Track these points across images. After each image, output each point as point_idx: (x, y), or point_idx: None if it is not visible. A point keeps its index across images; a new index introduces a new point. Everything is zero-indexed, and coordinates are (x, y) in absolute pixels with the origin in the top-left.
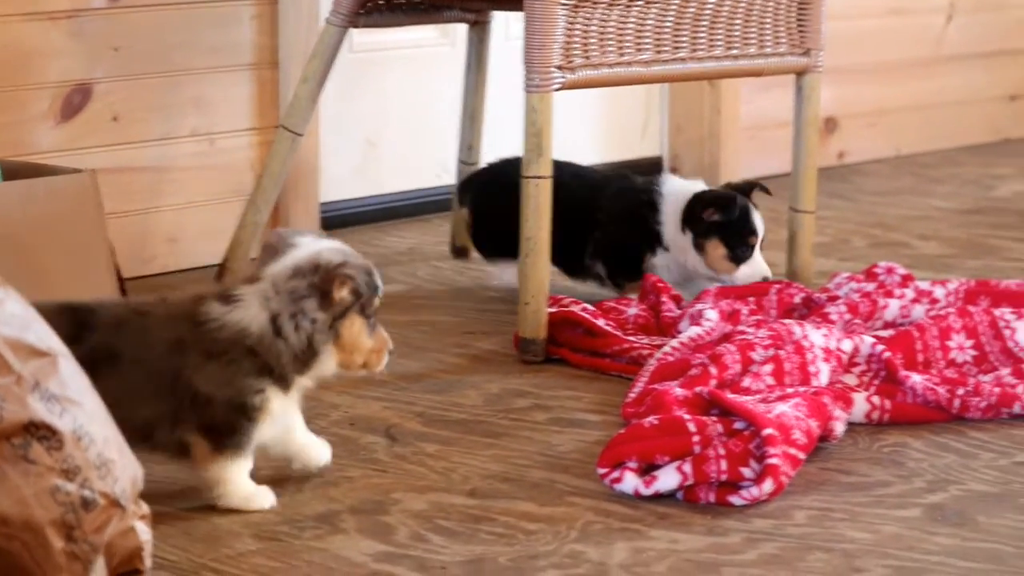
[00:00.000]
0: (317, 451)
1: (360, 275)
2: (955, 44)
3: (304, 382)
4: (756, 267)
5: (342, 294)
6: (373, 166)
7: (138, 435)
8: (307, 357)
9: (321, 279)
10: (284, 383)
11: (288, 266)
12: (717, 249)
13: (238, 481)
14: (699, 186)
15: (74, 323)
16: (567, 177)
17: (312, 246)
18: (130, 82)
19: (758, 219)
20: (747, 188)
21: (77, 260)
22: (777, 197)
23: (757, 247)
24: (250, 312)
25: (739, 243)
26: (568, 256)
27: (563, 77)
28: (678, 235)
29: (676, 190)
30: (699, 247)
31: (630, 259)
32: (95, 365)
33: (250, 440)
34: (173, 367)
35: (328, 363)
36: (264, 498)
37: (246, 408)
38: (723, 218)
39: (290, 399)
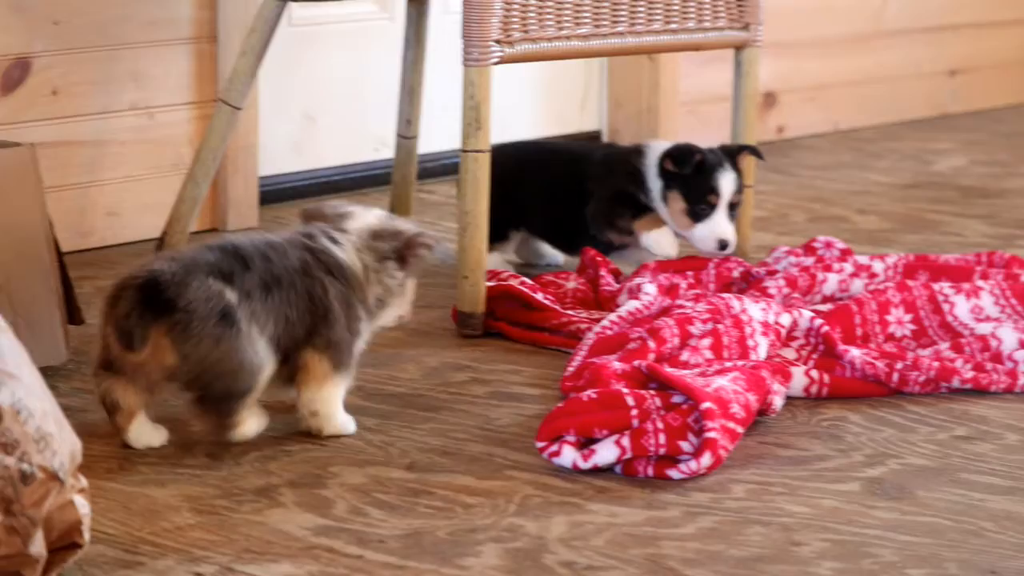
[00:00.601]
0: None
1: (434, 244)
2: (894, 19)
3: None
4: (714, 228)
5: (418, 258)
6: (312, 140)
7: (282, 357)
8: (379, 308)
9: (404, 244)
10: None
11: (367, 228)
12: (677, 202)
13: (340, 404)
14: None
15: (238, 258)
16: (548, 154)
17: (375, 214)
18: (69, 56)
19: (726, 180)
20: (735, 150)
21: (16, 234)
22: None
23: (721, 209)
24: (350, 255)
25: (698, 199)
26: (563, 231)
27: (501, 51)
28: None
29: (660, 150)
30: (664, 199)
31: (625, 223)
32: (266, 290)
33: (354, 363)
34: (308, 288)
35: (390, 315)
36: (352, 424)
37: (358, 330)
38: (678, 170)
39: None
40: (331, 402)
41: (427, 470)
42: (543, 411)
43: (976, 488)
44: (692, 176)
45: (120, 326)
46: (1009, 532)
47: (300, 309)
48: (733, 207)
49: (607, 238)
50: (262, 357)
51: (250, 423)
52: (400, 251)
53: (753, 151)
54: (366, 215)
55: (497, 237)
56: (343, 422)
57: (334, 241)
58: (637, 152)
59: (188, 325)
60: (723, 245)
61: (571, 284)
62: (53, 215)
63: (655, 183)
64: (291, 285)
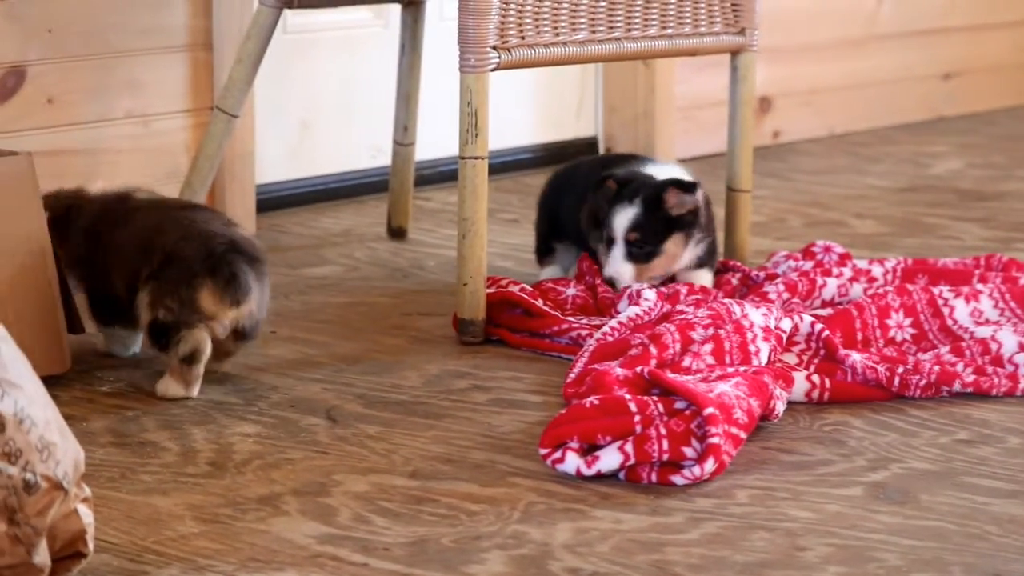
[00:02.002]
0: None
1: None
2: (889, 23)
3: None
4: (609, 262)
5: None
6: (308, 148)
7: None
8: None
9: None
10: None
11: None
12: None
13: None
14: (672, 171)
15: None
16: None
17: None
18: (64, 64)
19: (619, 217)
20: (661, 185)
21: (14, 243)
22: (713, 176)
23: (617, 244)
24: None
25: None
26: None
27: (498, 57)
28: None
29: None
30: None
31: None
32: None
33: None
34: None
35: None
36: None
37: None
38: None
39: None
40: None
41: (430, 477)
42: (546, 418)
43: (979, 492)
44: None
45: (228, 283)
46: (1013, 535)
47: None
48: (633, 245)
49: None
50: None
51: None
52: None
53: (679, 184)
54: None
55: (544, 251)
56: None
57: None
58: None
59: (265, 276)
60: (609, 281)
61: (570, 291)
62: None
63: None
64: None
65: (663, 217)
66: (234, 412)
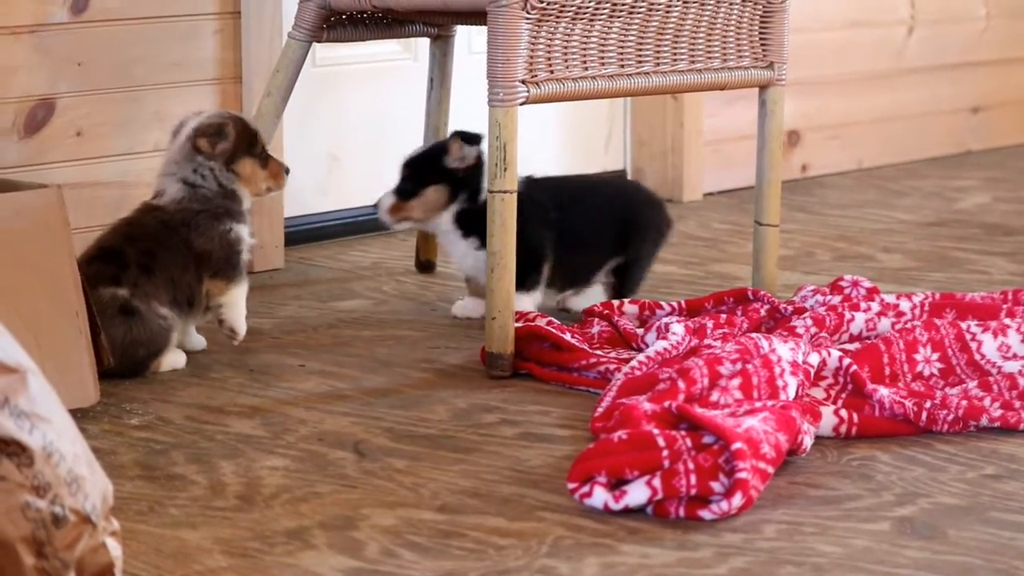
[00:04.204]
0: None
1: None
2: (916, 56)
3: None
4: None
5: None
6: (337, 181)
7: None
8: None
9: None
10: None
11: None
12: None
13: None
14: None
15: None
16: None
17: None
18: (93, 97)
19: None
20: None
21: (43, 276)
22: (741, 211)
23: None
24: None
25: None
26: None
27: (527, 91)
28: None
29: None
30: None
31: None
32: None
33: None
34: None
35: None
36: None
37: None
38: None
39: None
40: None
41: (458, 512)
42: (573, 452)
43: (1007, 527)
44: None
45: None
46: None
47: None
48: (402, 181)
49: None
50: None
51: None
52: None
53: (464, 135)
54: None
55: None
56: None
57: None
58: None
59: None
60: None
61: (595, 329)
62: (79, 256)
63: None
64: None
65: (439, 167)
66: (262, 446)
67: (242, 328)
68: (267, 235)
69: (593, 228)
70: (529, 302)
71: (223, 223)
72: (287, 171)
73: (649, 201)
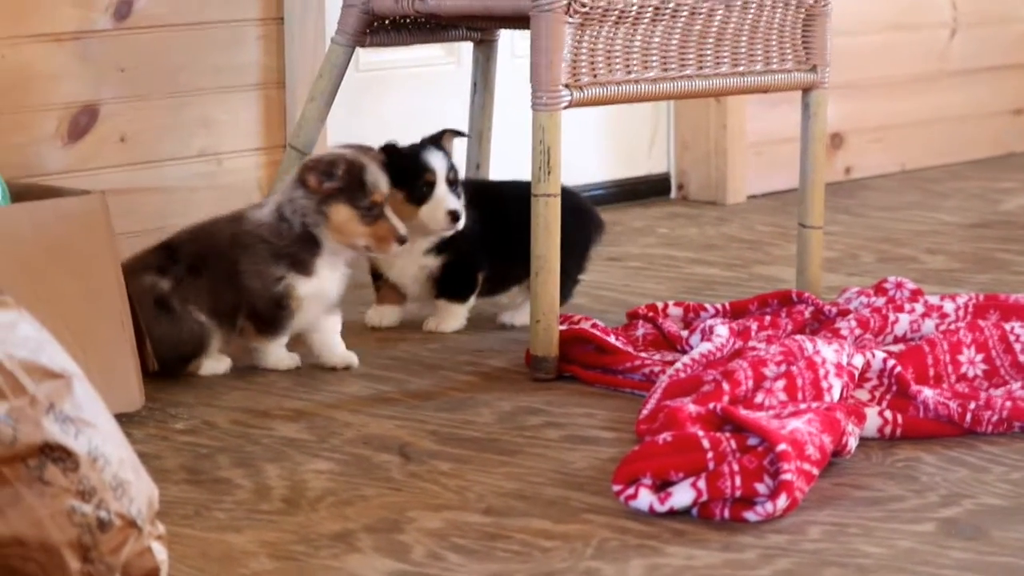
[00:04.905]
0: None
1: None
2: (959, 59)
3: None
4: (439, 203)
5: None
6: None
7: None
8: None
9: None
10: None
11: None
12: (394, 197)
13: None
14: None
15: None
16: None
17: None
18: (137, 103)
19: (436, 158)
20: (436, 136)
21: (87, 282)
22: (785, 213)
23: (440, 184)
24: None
25: (414, 183)
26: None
27: (570, 95)
28: None
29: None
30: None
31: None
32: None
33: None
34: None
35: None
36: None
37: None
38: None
39: None
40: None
41: (504, 514)
42: (618, 454)
43: None
44: (405, 167)
45: None
46: None
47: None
48: (453, 185)
49: None
50: None
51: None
52: (299, 175)
53: (455, 132)
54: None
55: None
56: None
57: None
58: None
59: None
60: (455, 216)
61: (640, 331)
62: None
63: None
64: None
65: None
66: (308, 449)
67: (279, 366)
68: None
69: (518, 236)
70: (464, 314)
71: (277, 269)
72: (401, 240)
73: (575, 209)
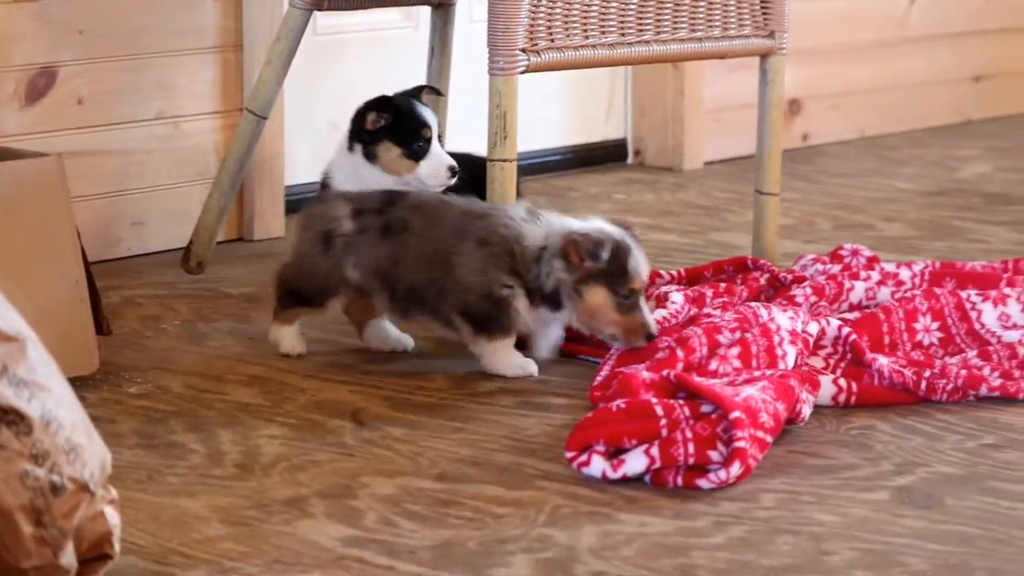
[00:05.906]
0: None
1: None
2: (919, 25)
3: None
4: (436, 159)
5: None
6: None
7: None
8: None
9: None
10: None
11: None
12: (390, 151)
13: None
14: None
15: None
16: None
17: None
18: (95, 65)
19: (429, 114)
20: (414, 91)
21: (43, 244)
22: (742, 179)
23: (434, 141)
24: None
25: (410, 140)
26: None
27: (528, 60)
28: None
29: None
30: (375, 156)
31: None
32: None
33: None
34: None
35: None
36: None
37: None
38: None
39: None
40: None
41: (456, 480)
42: (572, 421)
43: (1005, 496)
44: (403, 122)
45: None
46: None
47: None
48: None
49: None
50: None
51: None
52: (563, 247)
53: (432, 89)
54: (588, 222)
55: None
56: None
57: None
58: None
59: None
60: (453, 172)
61: None
62: (79, 225)
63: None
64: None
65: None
66: (261, 414)
67: (507, 373)
68: (267, 203)
69: None
70: None
71: (503, 277)
72: (649, 339)
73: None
